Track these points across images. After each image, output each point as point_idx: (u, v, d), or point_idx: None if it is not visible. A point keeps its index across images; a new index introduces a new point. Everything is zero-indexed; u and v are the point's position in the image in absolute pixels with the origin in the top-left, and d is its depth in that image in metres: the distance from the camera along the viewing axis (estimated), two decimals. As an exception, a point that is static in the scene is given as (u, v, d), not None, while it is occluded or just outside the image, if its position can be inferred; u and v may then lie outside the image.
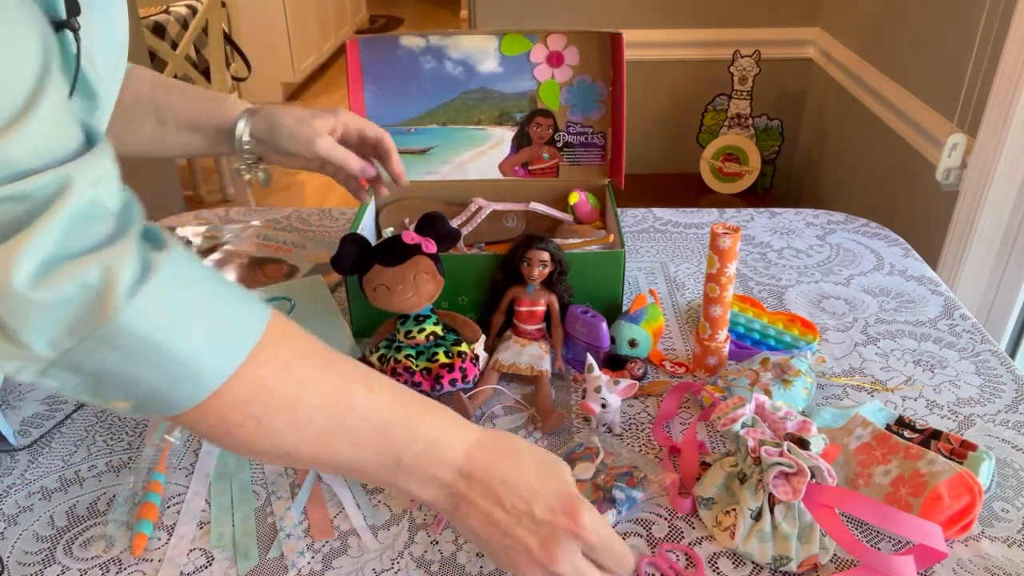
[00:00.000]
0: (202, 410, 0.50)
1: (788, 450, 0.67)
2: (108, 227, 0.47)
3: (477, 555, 0.70)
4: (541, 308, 0.92)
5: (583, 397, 0.83)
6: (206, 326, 0.50)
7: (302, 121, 0.88)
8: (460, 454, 0.58)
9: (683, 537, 0.71)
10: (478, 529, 0.58)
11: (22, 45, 0.45)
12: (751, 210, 1.35)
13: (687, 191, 2.51)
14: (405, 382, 0.83)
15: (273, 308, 0.54)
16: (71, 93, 0.55)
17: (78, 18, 0.57)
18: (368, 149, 0.94)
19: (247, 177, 0.94)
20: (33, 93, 0.44)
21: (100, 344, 0.46)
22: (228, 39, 3.01)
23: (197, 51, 2.98)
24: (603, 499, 0.72)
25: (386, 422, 0.56)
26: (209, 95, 0.93)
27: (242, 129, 0.89)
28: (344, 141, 0.92)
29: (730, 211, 1.35)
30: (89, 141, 0.49)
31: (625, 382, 0.82)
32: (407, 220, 1.11)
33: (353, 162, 0.90)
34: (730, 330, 0.94)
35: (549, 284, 0.92)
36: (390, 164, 0.95)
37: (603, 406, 0.81)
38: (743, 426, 0.70)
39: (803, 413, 0.82)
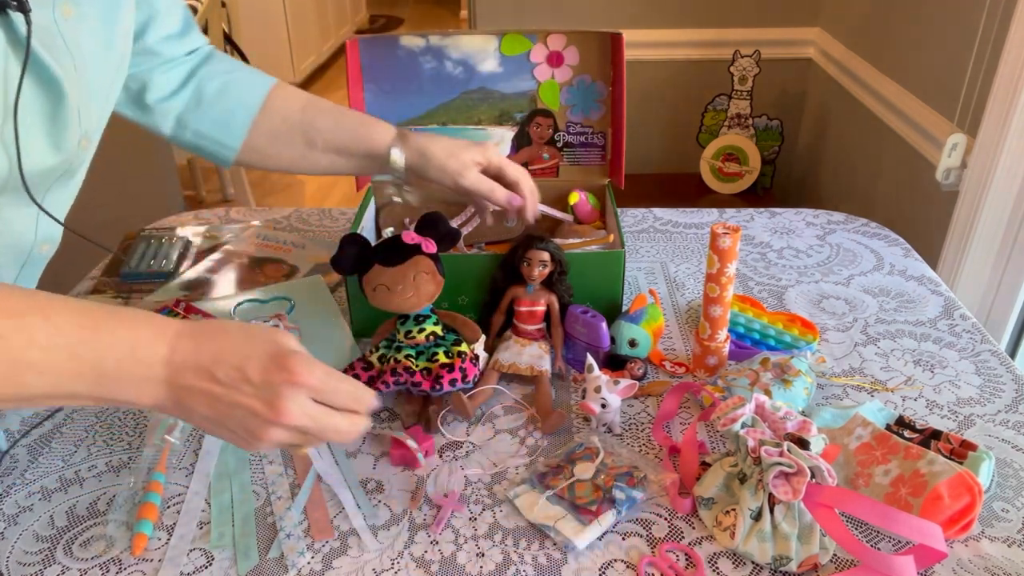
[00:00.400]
0: None
1: (788, 450, 0.67)
2: None
3: (477, 555, 0.70)
4: (541, 308, 0.92)
5: (583, 397, 0.83)
6: None
7: (452, 155, 0.92)
8: (164, 347, 0.56)
9: (683, 537, 0.71)
10: (205, 412, 0.56)
11: None
12: (751, 210, 1.35)
13: (687, 191, 2.51)
14: (405, 382, 0.83)
15: None
16: (21, 74, 0.55)
17: (54, 11, 0.57)
18: (506, 185, 0.96)
19: (398, 200, 0.98)
20: None
21: None
22: (228, 39, 3.01)
23: (197, 51, 2.97)
24: (603, 499, 0.72)
25: (74, 343, 0.53)
26: (358, 119, 0.95)
27: (396, 157, 0.92)
28: (485, 173, 0.95)
29: (730, 211, 1.35)
30: None
31: (625, 382, 0.82)
32: (407, 220, 1.11)
33: (499, 193, 0.93)
34: (730, 330, 0.94)
35: (549, 284, 0.92)
36: (524, 207, 0.96)
37: (603, 406, 0.81)
38: (743, 426, 0.70)
39: (803, 413, 0.82)
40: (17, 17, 0.55)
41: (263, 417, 0.56)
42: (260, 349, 0.57)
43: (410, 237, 0.85)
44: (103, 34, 0.69)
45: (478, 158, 0.93)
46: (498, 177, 0.96)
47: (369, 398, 0.60)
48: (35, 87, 0.58)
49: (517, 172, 0.96)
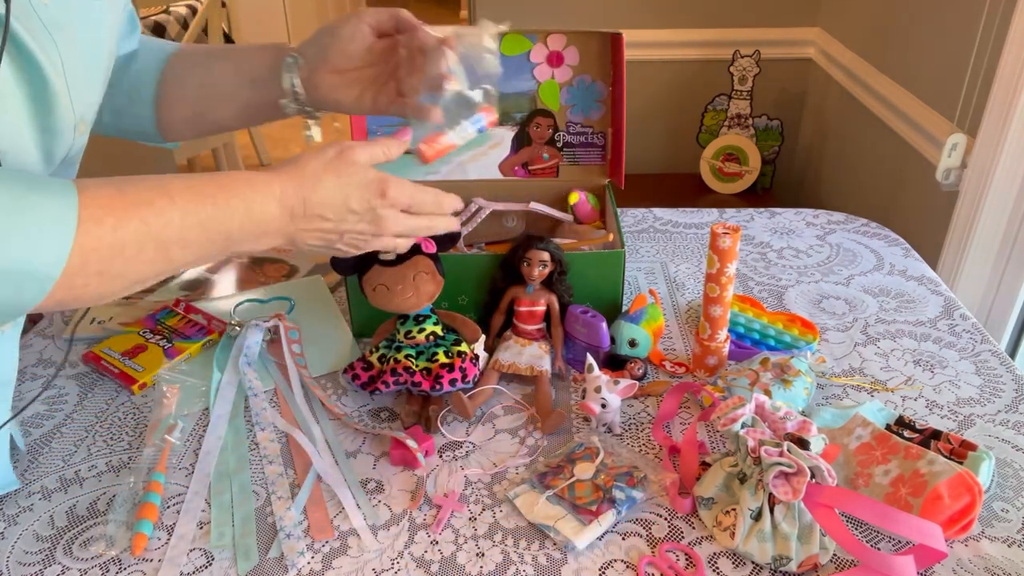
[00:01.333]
0: (49, 296, 0.55)
1: (788, 450, 0.67)
2: None
3: (477, 555, 0.70)
4: (541, 308, 0.92)
5: (583, 397, 0.83)
6: (25, 235, 0.53)
7: (336, 25, 0.80)
8: (275, 207, 0.65)
9: (683, 537, 0.71)
10: (319, 243, 0.70)
11: None
12: (751, 210, 1.35)
13: (687, 191, 2.51)
14: (404, 382, 0.83)
15: (77, 187, 0.56)
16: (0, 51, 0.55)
17: None
18: (428, 48, 0.81)
19: (311, 135, 0.95)
20: None
21: None
22: (228, 39, 3.01)
23: (197, 51, 2.97)
24: (603, 499, 0.72)
25: (202, 219, 0.62)
26: (247, 47, 0.85)
27: (289, 64, 0.80)
28: (382, 35, 0.82)
29: (730, 211, 1.35)
30: None
31: (625, 382, 0.82)
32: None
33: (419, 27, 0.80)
34: (730, 330, 0.94)
35: (549, 284, 0.92)
36: (417, 33, 0.80)
37: (603, 406, 0.81)
38: (743, 426, 0.70)
39: (803, 413, 0.82)
40: None
41: (368, 233, 0.71)
42: (355, 183, 0.69)
43: (410, 237, 0.85)
44: (84, 18, 0.67)
45: (382, 17, 0.80)
46: (417, 44, 0.80)
47: (450, 202, 0.75)
48: (13, 73, 0.58)
49: (390, 13, 0.81)
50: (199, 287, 1.11)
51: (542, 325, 0.93)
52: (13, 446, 0.81)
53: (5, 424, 0.75)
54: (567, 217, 1.13)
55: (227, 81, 0.85)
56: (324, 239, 0.70)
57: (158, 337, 0.97)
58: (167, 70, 0.87)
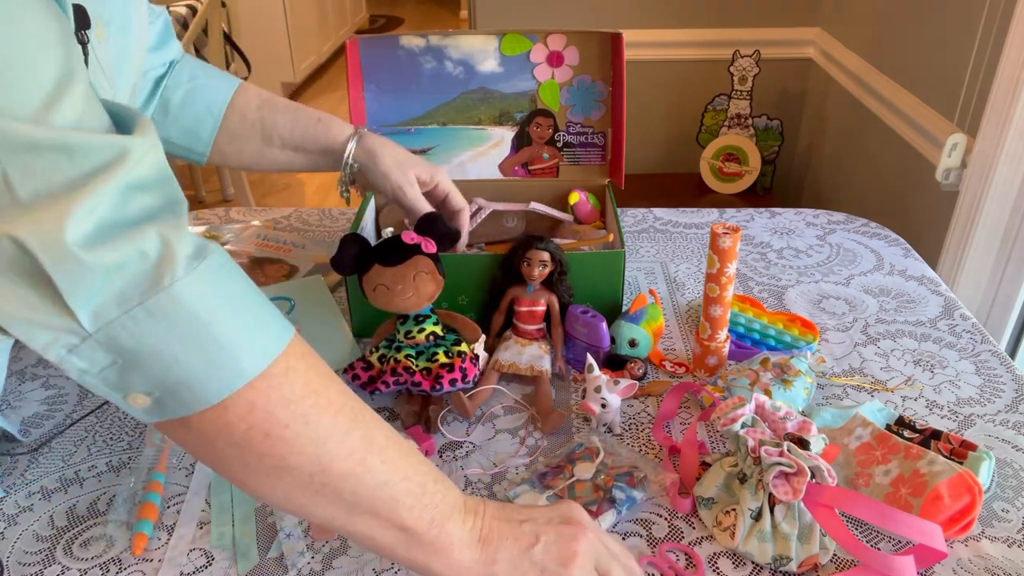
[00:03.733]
0: (240, 400, 0.48)
1: (788, 450, 0.67)
2: (157, 200, 0.47)
3: (477, 555, 0.70)
4: (541, 308, 0.92)
5: (583, 397, 0.83)
6: (250, 314, 0.50)
7: (399, 165, 0.93)
8: (457, 495, 0.58)
9: (683, 537, 0.71)
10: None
11: (47, 25, 0.45)
12: (751, 210, 1.35)
13: (687, 191, 2.51)
14: (404, 382, 0.83)
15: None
16: None
17: (89, 32, 0.57)
18: (446, 213, 0.97)
19: (345, 196, 0.98)
20: (64, 72, 0.45)
21: (146, 316, 0.45)
22: (228, 39, 3.01)
23: (197, 51, 2.98)
24: (603, 499, 0.72)
25: (398, 459, 0.56)
26: (315, 116, 0.96)
27: (349, 152, 0.93)
28: (429, 195, 0.96)
29: (730, 211, 1.35)
30: (121, 129, 0.49)
31: (625, 382, 0.82)
32: (407, 220, 1.11)
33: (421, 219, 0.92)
34: (730, 330, 0.94)
35: (549, 284, 0.92)
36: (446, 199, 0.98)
37: (603, 406, 0.81)
38: (743, 426, 0.70)
39: (803, 413, 0.82)
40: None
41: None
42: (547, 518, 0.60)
43: (410, 237, 0.85)
44: (124, 43, 0.69)
45: (424, 176, 0.94)
46: (442, 202, 0.98)
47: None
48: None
49: (460, 203, 0.98)
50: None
51: (542, 325, 0.93)
52: (12, 440, 0.81)
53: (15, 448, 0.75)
54: (567, 217, 1.13)
55: (283, 156, 0.96)
56: (512, 530, 0.58)
57: (158, 337, 0.97)
58: (230, 122, 0.92)
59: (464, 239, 0.98)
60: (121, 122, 0.49)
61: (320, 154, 0.95)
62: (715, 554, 0.70)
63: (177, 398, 0.48)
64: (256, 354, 0.49)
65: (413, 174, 0.93)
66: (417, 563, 0.56)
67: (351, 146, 0.93)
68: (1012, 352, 1.66)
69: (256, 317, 0.51)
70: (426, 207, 0.93)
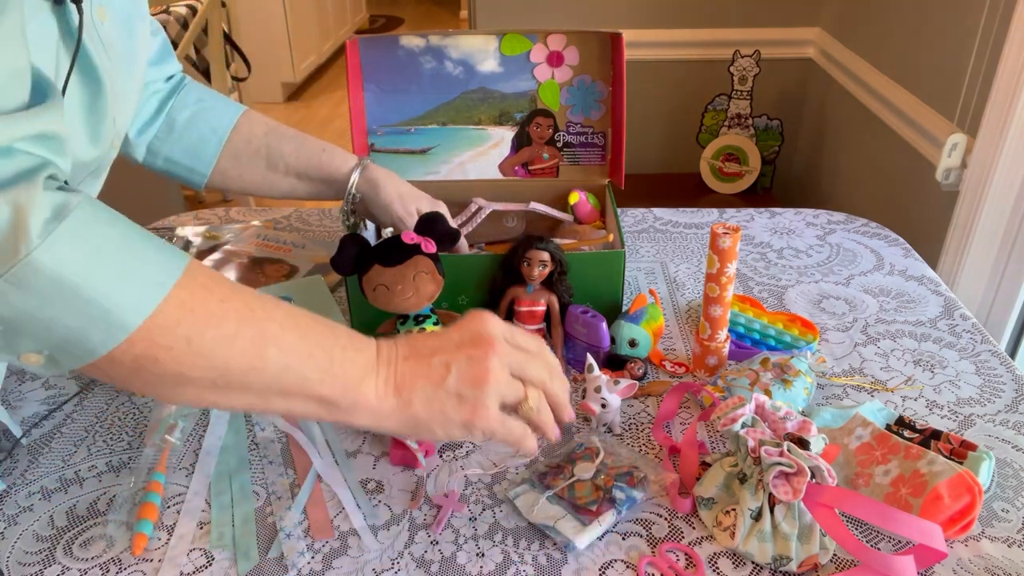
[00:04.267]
0: (126, 346, 0.50)
1: (788, 450, 0.67)
2: (13, 166, 0.47)
3: (477, 555, 0.70)
4: (541, 308, 0.92)
5: (583, 397, 0.83)
6: (124, 265, 0.50)
7: (400, 197, 0.95)
8: (371, 350, 0.61)
9: (683, 537, 0.71)
10: (429, 389, 0.60)
11: None
12: (751, 210, 1.35)
13: (687, 191, 2.51)
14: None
15: (190, 257, 0.55)
16: (71, 65, 0.57)
17: (87, 2, 0.58)
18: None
19: (347, 224, 0.99)
20: None
21: (11, 288, 0.46)
22: (228, 39, 3.01)
23: (197, 51, 2.98)
24: (603, 499, 0.72)
25: (299, 324, 0.58)
26: (320, 146, 0.98)
27: (353, 182, 0.95)
28: None
29: (730, 211, 1.35)
30: (40, 97, 0.50)
31: (625, 382, 0.82)
32: None
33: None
34: (730, 330, 0.94)
35: (549, 284, 0.92)
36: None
37: (603, 406, 0.81)
38: (743, 426, 0.70)
39: (803, 413, 0.82)
40: (70, 9, 0.57)
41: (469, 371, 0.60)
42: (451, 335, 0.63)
43: (410, 237, 0.85)
44: (128, 42, 0.71)
45: (424, 210, 0.95)
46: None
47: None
48: (79, 80, 0.59)
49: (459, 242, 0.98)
50: (199, 287, 1.11)
51: (542, 325, 0.93)
52: (9, 438, 0.81)
53: (15, 447, 0.75)
54: (567, 217, 1.13)
55: (287, 183, 0.98)
56: (422, 367, 0.60)
57: (158, 337, 0.97)
58: (234, 147, 0.94)
59: (463, 250, 1.00)
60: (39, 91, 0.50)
61: (323, 183, 0.97)
62: (715, 554, 0.70)
63: (67, 354, 0.50)
64: (133, 306, 0.50)
65: (414, 207, 0.95)
66: (340, 421, 0.59)
67: (355, 176, 0.95)
68: (1012, 352, 1.66)
69: (131, 267, 0.51)
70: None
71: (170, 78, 0.95)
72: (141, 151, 0.93)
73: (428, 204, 0.97)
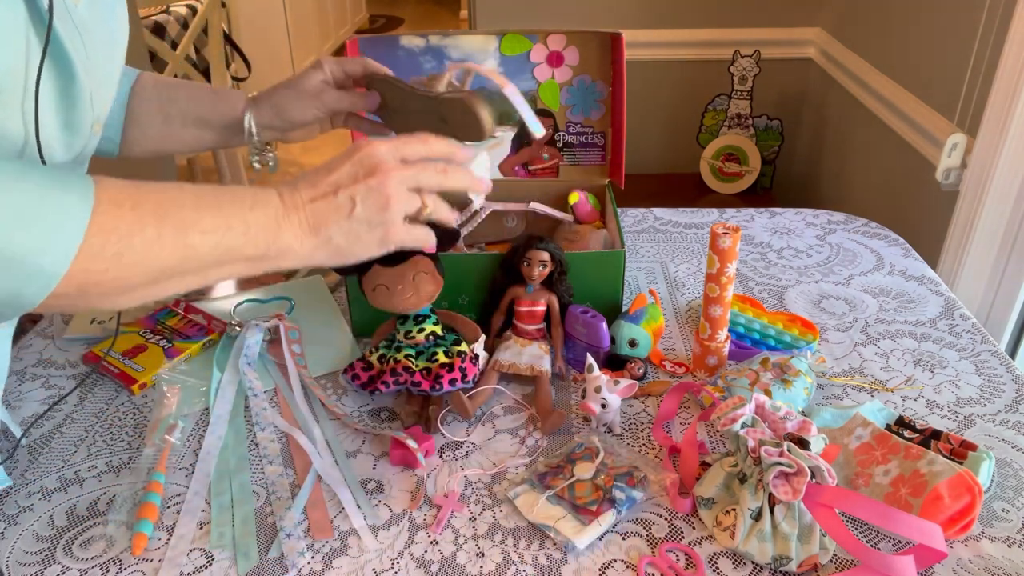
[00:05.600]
0: (62, 286, 0.53)
1: (788, 450, 0.67)
2: None
3: (477, 555, 0.70)
4: (541, 308, 0.92)
5: (583, 397, 0.83)
6: (37, 221, 0.51)
7: (299, 90, 0.89)
8: (274, 198, 0.63)
9: (683, 537, 0.71)
10: (331, 215, 0.64)
11: None
12: (751, 210, 1.35)
13: (687, 191, 2.51)
14: (404, 382, 0.83)
15: (94, 179, 0.56)
16: (44, 50, 0.57)
17: None
18: (359, 82, 0.92)
19: (257, 167, 0.95)
20: None
21: None
22: (228, 39, 3.01)
23: (197, 51, 2.98)
24: (603, 499, 0.72)
25: (211, 203, 0.61)
26: (210, 90, 0.93)
27: (249, 121, 0.90)
28: (338, 86, 0.91)
29: (730, 211, 1.35)
30: None
31: (625, 382, 0.82)
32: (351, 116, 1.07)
33: (360, 101, 0.90)
34: (730, 330, 0.94)
35: (549, 284, 0.92)
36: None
37: (603, 406, 0.81)
38: (743, 426, 0.70)
39: (803, 413, 0.82)
40: None
41: (371, 189, 0.64)
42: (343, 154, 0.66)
43: (410, 237, 0.85)
44: (106, 24, 0.70)
45: (321, 76, 0.89)
46: (349, 79, 0.91)
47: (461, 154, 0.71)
48: (50, 66, 0.59)
49: (358, 63, 0.91)
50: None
51: (542, 325, 0.93)
52: (9, 438, 0.81)
53: (16, 447, 0.75)
54: (567, 217, 1.13)
55: (188, 134, 0.93)
56: (330, 206, 0.64)
57: (158, 337, 0.97)
58: (130, 107, 0.90)
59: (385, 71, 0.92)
60: None
61: (224, 128, 0.92)
62: (715, 554, 0.70)
63: (10, 308, 0.53)
64: (58, 255, 0.52)
65: (313, 85, 0.88)
66: (274, 268, 0.64)
67: (248, 115, 0.89)
68: (1012, 352, 1.66)
69: (45, 219, 0.52)
70: (352, 98, 0.89)
71: None
72: None
73: (330, 66, 0.89)
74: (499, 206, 1.13)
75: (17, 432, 0.83)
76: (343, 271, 0.87)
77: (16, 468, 0.80)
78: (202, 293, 1.10)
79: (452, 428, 0.85)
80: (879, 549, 0.70)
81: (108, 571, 0.69)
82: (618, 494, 0.73)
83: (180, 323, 1.00)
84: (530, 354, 0.90)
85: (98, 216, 0.54)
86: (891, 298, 1.08)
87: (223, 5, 3.01)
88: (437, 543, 0.71)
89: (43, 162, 0.63)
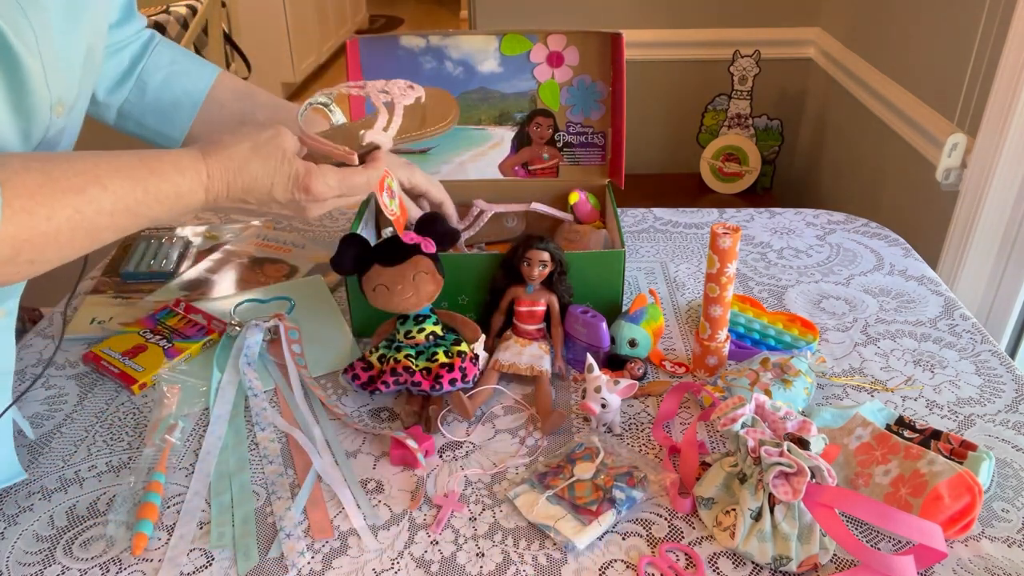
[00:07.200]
0: None
1: (788, 450, 0.67)
2: None
3: (477, 555, 0.70)
4: (541, 308, 0.92)
5: (583, 397, 0.83)
6: None
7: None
8: (201, 194, 0.69)
9: (683, 537, 0.71)
10: (243, 215, 0.71)
11: None
12: (751, 210, 1.35)
13: (687, 191, 2.51)
14: (404, 382, 0.83)
15: (3, 179, 0.56)
16: None
17: None
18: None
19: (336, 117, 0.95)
20: None
21: None
22: (228, 39, 3.01)
23: (197, 51, 2.97)
24: (603, 499, 0.72)
25: (129, 205, 0.63)
26: (295, 110, 0.94)
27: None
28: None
29: (730, 211, 1.35)
30: None
31: (625, 382, 0.82)
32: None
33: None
34: (730, 330, 0.94)
35: (549, 284, 0.92)
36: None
37: (603, 406, 0.81)
38: (743, 426, 0.70)
39: (803, 413, 0.82)
40: None
41: (295, 215, 0.76)
42: (280, 174, 0.71)
43: (410, 237, 0.85)
44: (71, 10, 0.68)
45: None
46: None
47: (372, 175, 0.77)
48: None
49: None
50: (199, 287, 1.11)
51: (542, 325, 0.93)
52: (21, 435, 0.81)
53: (6, 411, 0.75)
54: (567, 217, 1.13)
55: None
56: (248, 214, 0.72)
57: (158, 337, 0.97)
58: (203, 117, 0.92)
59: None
60: None
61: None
62: (715, 554, 0.70)
63: None
64: None
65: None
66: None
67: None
68: (1012, 352, 1.66)
69: None
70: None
71: (136, 33, 0.91)
72: (112, 113, 0.91)
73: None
74: (500, 207, 1.13)
75: (30, 433, 0.83)
76: (342, 271, 0.87)
77: (21, 462, 0.80)
78: (203, 294, 1.10)
79: (452, 428, 0.85)
80: (879, 549, 0.70)
81: (108, 571, 0.69)
82: (618, 494, 0.73)
83: (180, 323, 1.00)
84: (530, 354, 0.91)
85: (10, 227, 0.55)
86: (891, 298, 1.08)
87: (223, 5, 3.01)
88: (437, 543, 0.71)
89: None
